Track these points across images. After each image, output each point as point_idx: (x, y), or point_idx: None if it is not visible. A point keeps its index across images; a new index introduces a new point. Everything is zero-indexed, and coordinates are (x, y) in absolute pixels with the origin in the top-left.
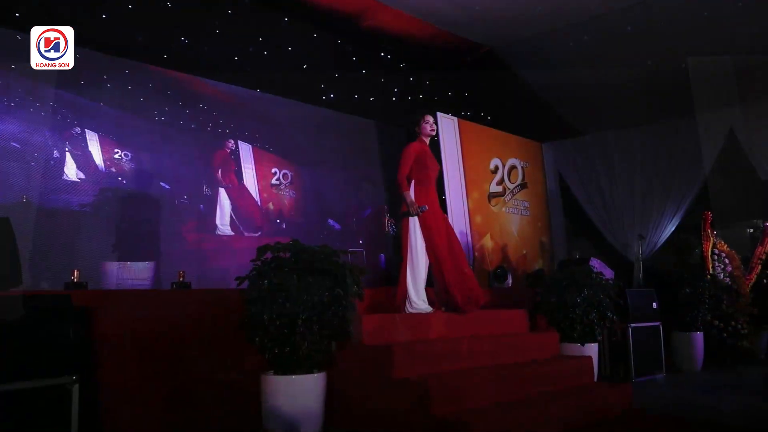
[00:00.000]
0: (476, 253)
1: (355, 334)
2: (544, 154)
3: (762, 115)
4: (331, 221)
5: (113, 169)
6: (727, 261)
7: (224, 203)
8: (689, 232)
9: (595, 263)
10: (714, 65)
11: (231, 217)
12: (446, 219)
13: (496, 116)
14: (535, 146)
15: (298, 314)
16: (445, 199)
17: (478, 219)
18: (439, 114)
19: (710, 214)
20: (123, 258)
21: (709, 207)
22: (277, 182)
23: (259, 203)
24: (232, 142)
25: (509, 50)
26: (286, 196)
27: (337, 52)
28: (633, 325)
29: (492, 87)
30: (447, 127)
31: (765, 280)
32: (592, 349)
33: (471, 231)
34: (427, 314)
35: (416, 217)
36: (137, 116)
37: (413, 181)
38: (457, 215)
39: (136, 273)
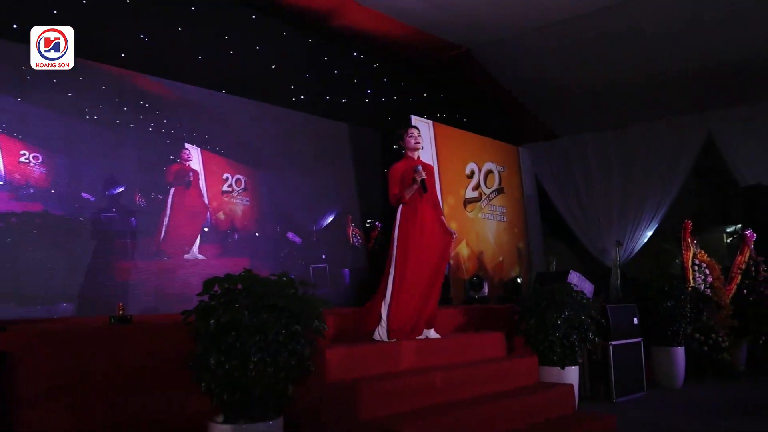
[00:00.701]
0: (452, 261)
1: (316, 371)
2: (521, 157)
3: (740, 120)
4: (290, 235)
5: (17, 176)
6: (707, 272)
7: (167, 216)
8: (666, 238)
9: (575, 277)
10: (692, 69)
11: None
12: (446, 243)
13: (472, 119)
14: (512, 150)
15: (250, 356)
16: None
17: (453, 225)
18: (413, 117)
19: (690, 223)
20: (28, 301)
21: (686, 213)
22: (229, 189)
23: (208, 214)
24: (188, 151)
25: (486, 51)
26: (239, 204)
27: (307, 52)
28: (614, 343)
29: (468, 89)
30: (421, 131)
31: (745, 291)
32: (572, 372)
33: None
34: (395, 343)
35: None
36: (58, 114)
37: (393, 202)
38: None
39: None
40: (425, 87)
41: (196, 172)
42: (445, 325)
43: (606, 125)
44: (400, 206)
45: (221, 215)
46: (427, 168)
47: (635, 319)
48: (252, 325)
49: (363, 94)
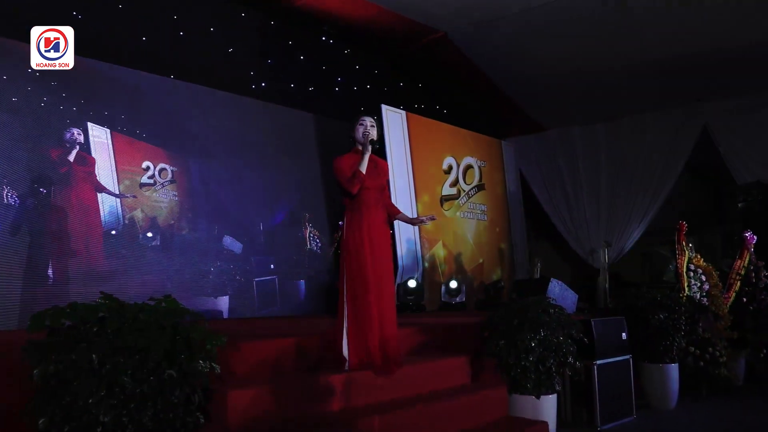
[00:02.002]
0: (426, 264)
1: (217, 419)
2: (503, 151)
3: (739, 113)
4: (228, 241)
5: None
6: (703, 278)
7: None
8: (655, 241)
9: (556, 287)
10: (687, 56)
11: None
12: (388, 251)
13: (451, 110)
14: (494, 143)
15: (98, 417)
16: None
17: (428, 225)
18: (384, 107)
19: (685, 224)
20: None
21: (679, 213)
22: (150, 180)
23: (119, 210)
24: (75, 132)
25: (465, 36)
26: (164, 200)
27: (268, 35)
28: (599, 362)
29: (446, 78)
30: (394, 122)
31: (744, 299)
32: (549, 403)
33: (420, 239)
34: (327, 377)
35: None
36: None
37: (345, 204)
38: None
39: None
40: (400, 75)
41: (90, 159)
42: (402, 346)
43: (595, 117)
44: (345, 214)
45: (138, 213)
46: (380, 165)
47: (624, 334)
48: (98, 373)
49: (332, 82)
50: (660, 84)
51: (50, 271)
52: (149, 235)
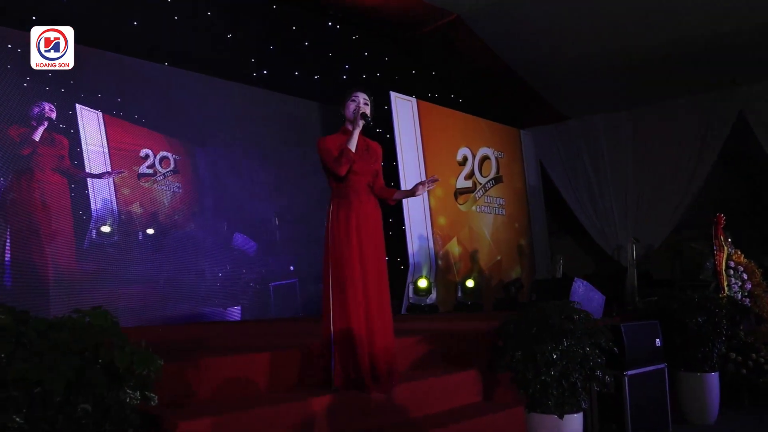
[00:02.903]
0: (440, 262)
1: None
2: (522, 141)
3: None
4: (240, 239)
5: None
6: (745, 276)
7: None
8: (688, 233)
9: (580, 287)
10: (721, 34)
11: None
12: (380, 246)
13: (467, 99)
14: (512, 133)
15: None
16: (401, 200)
17: (441, 220)
18: (393, 94)
19: (723, 217)
20: None
21: (713, 205)
22: (150, 170)
23: (114, 204)
24: (46, 107)
25: (480, 18)
26: (167, 191)
27: (271, 20)
28: (630, 373)
29: (461, 64)
30: (403, 110)
31: None
32: (574, 423)
33: (433, 235)
34: (306, 397)
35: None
36: None
37: (331, 188)
38: (416, 217)
39: None
40: (411, 62)
41: (61, 141)
42: (403, 359)
43: (620, 104)
44: (330, 201)
45: (137, 207)
46: (372, 147)
47: (657, 341)
48: None
49: (339, 69)
50: (691, 66)
51: (7, 279)
52: (149, 232)
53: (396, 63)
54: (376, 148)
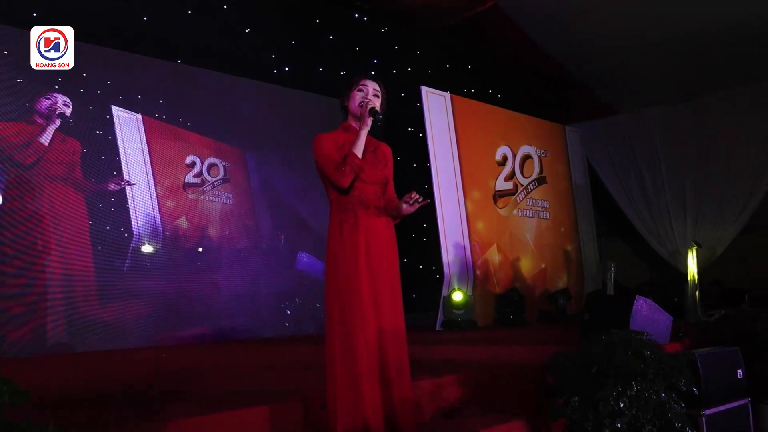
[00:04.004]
0: (478, 272)
1: None
2: (567, 139)
3: None
4: (304, 259)
5: None
6: None
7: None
8: (757, 237)
9: (643, 307)
10: None
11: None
12: (395, 275)
13: (506, 93)
14: (556, 129)
15: None
16: (434, 202)
17: (479, 226)
18: (424, 89)
19: None
20: None
21: None
22: (197, 180)
23: (157, 218)
24: (51, 99)
25: (520, 5)
26: (216, 203)
27: (292, 13)
28: (708, 412)
29: (498, 55)
30: (436, 107)
31: None
32: None
33: (470, 242)
34: None
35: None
36: None
37: (330, 201)
38: (452, 223)
39: None
40: (445, 55)
41: (72, 144)
42: (430, 404)
43: (676, 96)
44: (331, 218)
45: (182, 222)
46: (381, 150)
47: (739, 372)
48: None
49: (367, 64)
50: (754, 51)
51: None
52: (198, 250)
53: (428, 56)
54: (386, 150)
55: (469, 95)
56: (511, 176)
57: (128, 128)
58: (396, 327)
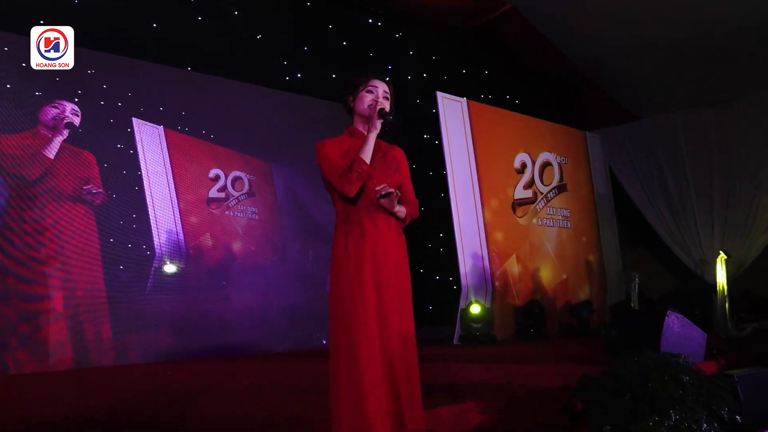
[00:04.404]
0: (496, 283)
1: None
2: (588, 144)
3: None
4: None
5: None
6: None
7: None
8: None
9: (675, 323)
10: None
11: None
12: (406, 292)
13: (523, 98)
14: (576, 135)
15: None
16: (451, 212)
17: (498, 236)
18: (439, 95)
19: None
20: None
21: None
22: (221, 194)
23: (180, 236)
24: (71, 107)
25: (538, 8)
26: (241, 218)
27: (303, 18)
28: None
29: (516, 59)
30: (452, 113)
31: None
32: None
33: (489, 253)
34: None
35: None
36: None
37: (336, 212)
38: (469, 233)
39: None
40: (461, 61)
41: (87, 158)
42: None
43: (702, 100)
44: (336, 229)
45: (206, 239)
46: (390, 154)
47: None
48: None
49: (381, 70)
50: None
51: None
52: (222, 271)
53: (443, 62)
54: (396, 154)
55: (486, 101)
56: (531, 184)
57: (150, 141)
58: (406, 350)
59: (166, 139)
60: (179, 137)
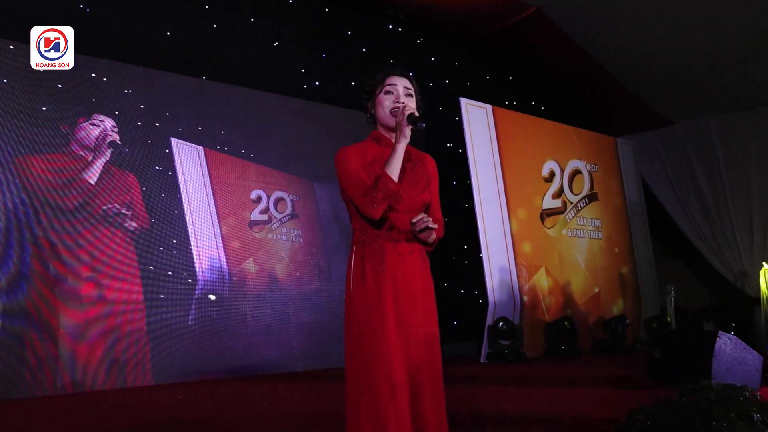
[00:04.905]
0: (525, 298)
1: None
2: (619, 151)
3: None
4: None
5: None
6: None
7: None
8: None
9: (728, 345)
10: None
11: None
12: (433, 324)
13: (550, 103)
14: (606, 142)
15: None
16: (476, 223)
17: (526, 248)
18: (463, 101)
19: None
20: None
21: None
22: (264, 216)
23: (223, 262)
24: (110, 123)
25: (565, 10)
26: (285, 242)
27: (321, 24)
28: None
29: (543, 64)
30: (476, 120)
31: None
32: None
33: (516, 266)
34: None
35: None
36: None
37: (353, 230)
38: (496, 245)
39: None
40: (485, 66)
41: (128, 179)
42: None
43: (738, 103)
44: (353, 251)
45: (249, 264)
46: (420, 164)
47: None
48: None
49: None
50: None
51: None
52: (270, 296)
53: (467, 67)
54: (428, 164)
55: (511, 107)
56: (560, 193)
57: (189, 162)
58: (434, 392)
59: (206, 160)
60: (219, 157)
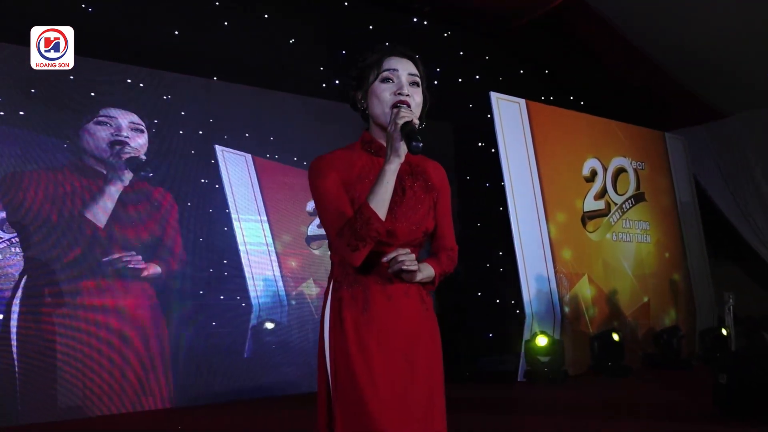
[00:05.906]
0: (566, 309)
1: None
2: (669, 147)
3: None
4: None
5: None
6: None
7: None
8: None
9: None
10: None
11: None
12: (434, 386)
13: (590, 97)
14: (654, 137)
15: None
16: (511, 228)
17: (566, 254)
18: (493, 95)
19: None
20: None
21: None
22: (321, 230)
23: (279, 283)
24: (122, 119)
25: None
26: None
27: (341, 19)
28: None
29: (581, 54)
30: (509, 116)
31: None
32: None
33: (556, 274)
34: None
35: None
36: None
37: (332, 263)
38: (532, 252)
39: None
40: (518, 58)
41: (166, 200)
42: None
43: None
44: (330, 288)
45: (309, 286)
46: (421, 170)
47: None
48: None
49: (429, 73)
50: None
51: None
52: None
53: (498, 61)
54: (434, 176)
55: (547, 102)
56: (603, 194)
57: (236, 171)
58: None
59: (256, 168)
60: (268, 165)
